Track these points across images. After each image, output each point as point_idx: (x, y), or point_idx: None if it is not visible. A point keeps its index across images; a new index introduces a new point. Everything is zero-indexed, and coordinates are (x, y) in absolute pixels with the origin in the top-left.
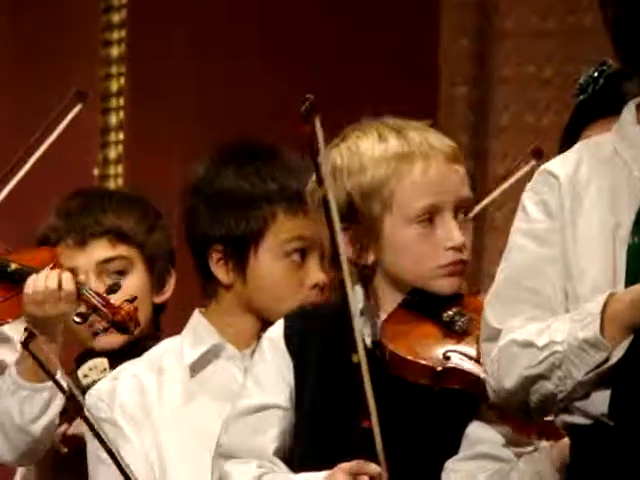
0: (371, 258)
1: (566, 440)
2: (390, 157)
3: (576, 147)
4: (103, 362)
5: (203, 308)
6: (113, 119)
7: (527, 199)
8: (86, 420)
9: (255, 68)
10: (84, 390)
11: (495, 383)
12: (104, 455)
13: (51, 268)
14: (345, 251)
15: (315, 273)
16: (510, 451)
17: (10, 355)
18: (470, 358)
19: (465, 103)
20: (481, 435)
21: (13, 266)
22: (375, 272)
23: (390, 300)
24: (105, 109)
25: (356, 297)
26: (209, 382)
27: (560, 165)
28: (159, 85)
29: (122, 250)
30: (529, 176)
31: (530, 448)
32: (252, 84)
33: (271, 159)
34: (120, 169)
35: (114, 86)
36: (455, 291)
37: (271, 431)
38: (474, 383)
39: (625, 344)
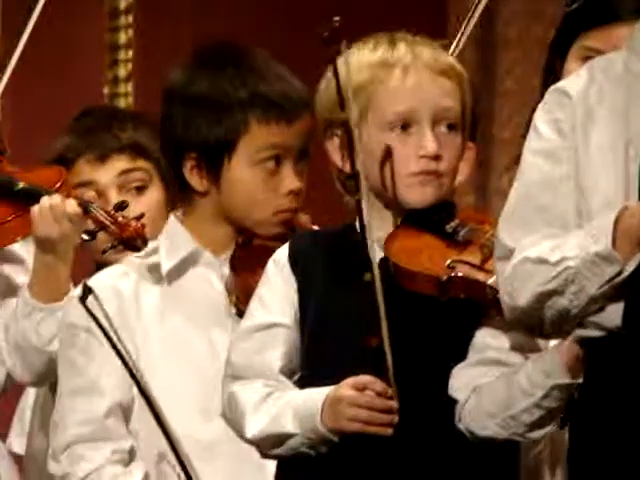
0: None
1: (572, 337)
2: (373, 64)
3: (587, 65)
4: None
5: (179, 214)
6: (122, 37)
7: (539, 118)
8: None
9: None
10: None
11: (509, 301)
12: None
13: (59, 187)
14: (363, 172)
15: (290, 180)
16: (517, 356)
17: (23, 276)
18: (474, 266)
19: None
20: (488, 341)
21: (21, 185)
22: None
23: (376, 213)
24: (113, 27)
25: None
26: (187, 289)
27: (572, 83)
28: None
29: (141, 163)
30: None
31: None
32: None
33: (247, 64)
34: (130, 87)
35: (122, 4)
36: (428, 202)
37: (276, 349)
38: (479, 290)
39: (638, 257)
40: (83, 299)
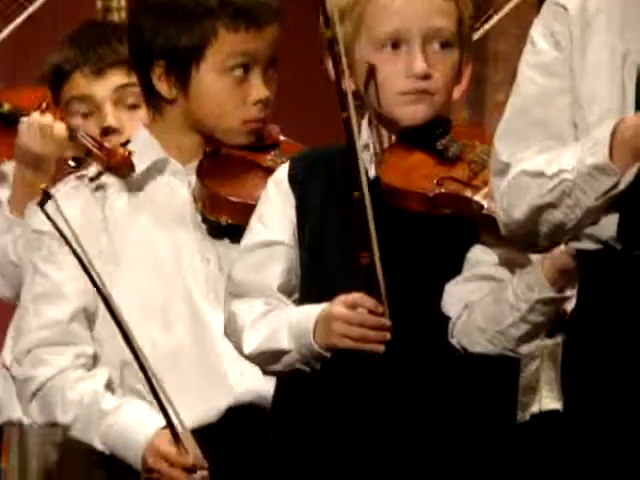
0: (351, 85)
1: (557, 250)
2: None
3: None
4: None
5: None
6: None
7: (535, 32)
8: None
9: None
10: None
11: (504, 215)
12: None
13: (45, 107)
14: (349, 87)
15: (258, 89)
16: (507, 271)
17: (6, 193)
18: (461, 182)
19: None
20: (479, 257)
21: (6, 107)
22: (361, 100)
23: (379, 133)
24: None
25: (362, 133)
26: (153, 196)
27: None
28: None
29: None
30: (530, 7)
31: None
32: None
33: None
34: (123, 2)
35: None
36: (419, 120)
37: (275, 267)
38: (467, 207)
39: (635, 169)
40: (42, 204)
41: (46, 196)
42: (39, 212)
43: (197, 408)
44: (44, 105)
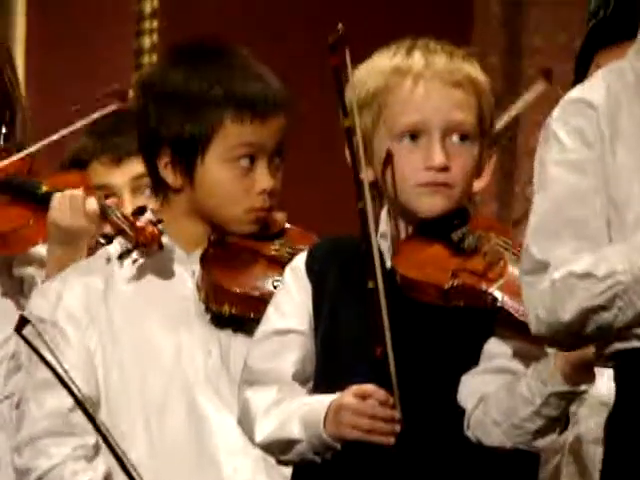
0: (369, 175)
1: None
2: (386, 71)
3: (600, 74)
4: None
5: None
6: (147, 41)
7: (558, 128)
8: (27, 342)
9: None
10: None
11: (547, 315)
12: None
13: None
14: (367, 177)
15: (263, 179)
16: (522, 363)
17: (42, 275)
18: (477, 274)
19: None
20: (495, 349)
21: (44, 189)
22: (379, 190)
23: (396, 223)
24: (139, 31)
25: (380, 223)
26: (157, 284)
27: (592, 92)
28: (191, 3)
29: None
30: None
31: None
32: None
33: (223, 61)
34: (155, 58)
35: (147, 7)
36: (437, 212)
37: (290, 355)
38: (481, 299)
39: None
40: (18, 329)
41: (23, 321)
42: (44, 297)
43: None
44: (81, 188)
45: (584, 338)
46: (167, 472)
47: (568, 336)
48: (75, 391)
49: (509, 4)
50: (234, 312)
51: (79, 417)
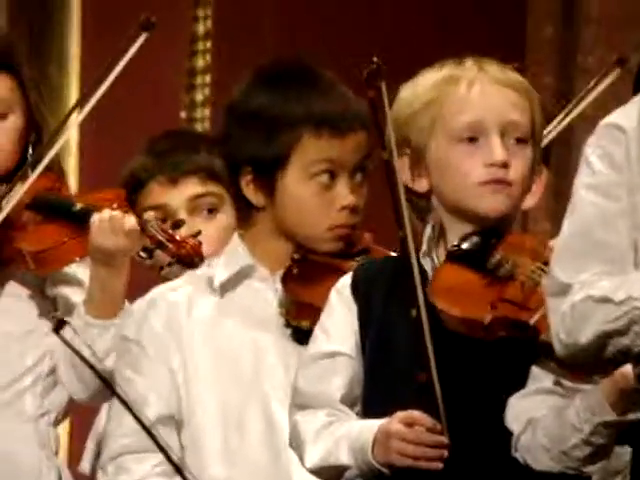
0: (424, 185)
1: (618, 373)
2: (440, 80)
3: (637, 99)
4: None
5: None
6: (200, 61)
7: (591, 153)
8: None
9: None
10: None
11: (567, 338)
12: None
13: (117, 205)
14: (407, 210)
15: (344, 195)
16: (570, 388)
17: (80, 297)
18: (516, 304)
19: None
20: (541, 373)
21: (78, 206)
22: (430, 202)
23: (454, 229)
24: (193, 51)
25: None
26: (239, 302)
27: (623, 117)
28: (245, 26)
29: (213, 187)
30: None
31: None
32: None
33: (304, 81)
34: (207, 112)
35: (201, 29)
36: (500, 211)
37: (338, 378)
38: (523, 329)
39: None
40: (56, 330)
41: (60, 323)
42: (131, 318)
43: None
44: (115, 203)
45: (604, 362)
46: None
47: (588, 359)
48: (129, 403)
49: (562, 25)
50: (313, 326)
51: (160, 434)
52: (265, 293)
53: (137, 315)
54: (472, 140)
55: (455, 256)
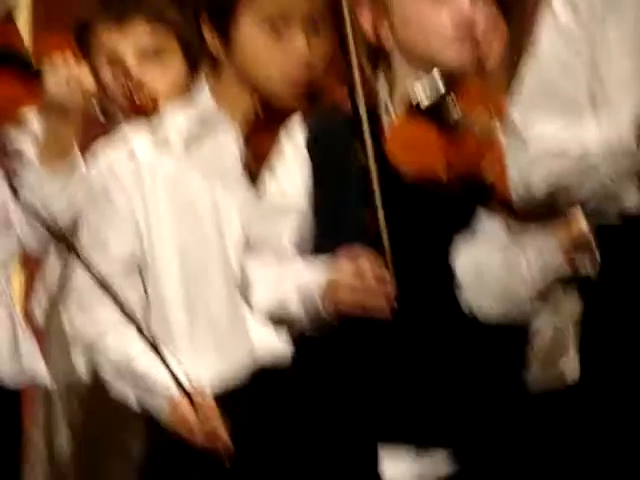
0: (386, 34)
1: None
2: None
3: None
4: None
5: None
6: None
7: None
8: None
9: None
10: None
11: (524, 190)
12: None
13: (70, 58)
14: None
15: (296, 44)
16: (517, 238)
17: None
18: (474, 160)
19: None
20: (489, 223)
21: (30, 54)
22: (388, 52)
23: (409, 77)
24: None
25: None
26: (202, 151)
27: None
28: None
29: (161, 30)
30: None
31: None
32: None
33: None
34: None
35: None
36: (463, 61)
37: (287, 223)
38: (481, 187)
39: None
40: (16, 195)
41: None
42: (94, 166)
43: (218, 367)
44: (68, 50)
45: (560, 207)
46: (205, 338)
47: (541, 210)
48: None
49: None
50: None
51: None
52: (228, 141)
53: (105, 166)
54: None
55: (416, 111)
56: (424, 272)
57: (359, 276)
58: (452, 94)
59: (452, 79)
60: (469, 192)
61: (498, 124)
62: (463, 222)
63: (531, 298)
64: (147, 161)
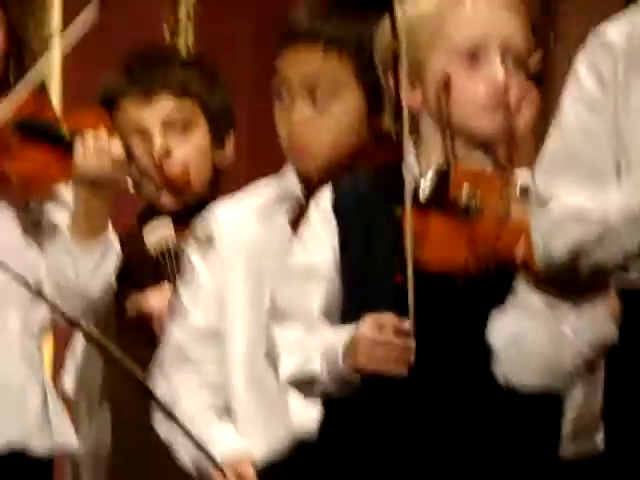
0: (418, 98)
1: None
2: None
3: (630, 15)
4: (167, 221)
5: None
6: None
7: (579, 65)
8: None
9: None
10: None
11: (544, 253)
12: None
13: (100, 129)
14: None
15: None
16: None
17: (65, 220)
18: (494, 241)
19: None
20: (525, 290)
21: (63, 129)
22: (420, 116)
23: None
24: None
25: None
26: (279, 224)
27: (614, 30)
28: None
29: (187, 104)
30: None
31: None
32: None
33: None
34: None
35: None
36: (495, 130)
37: (316, 291)
38: (508, 260)
39: None
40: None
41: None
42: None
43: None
44: (100, 125)
45: (582, 277)
46: (257, 412)
47: (565, 274)
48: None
49: None
50: None
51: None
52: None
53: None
54: (472, 56)
55: (425, 203)
56: (456, 345)
57: (379, 327)
58: (465, 184)
59: (446, 170)
60: (500, 275)
61: (512, 196)
62: (495, 304)
63: (578, 370)
64: (230, 230)
